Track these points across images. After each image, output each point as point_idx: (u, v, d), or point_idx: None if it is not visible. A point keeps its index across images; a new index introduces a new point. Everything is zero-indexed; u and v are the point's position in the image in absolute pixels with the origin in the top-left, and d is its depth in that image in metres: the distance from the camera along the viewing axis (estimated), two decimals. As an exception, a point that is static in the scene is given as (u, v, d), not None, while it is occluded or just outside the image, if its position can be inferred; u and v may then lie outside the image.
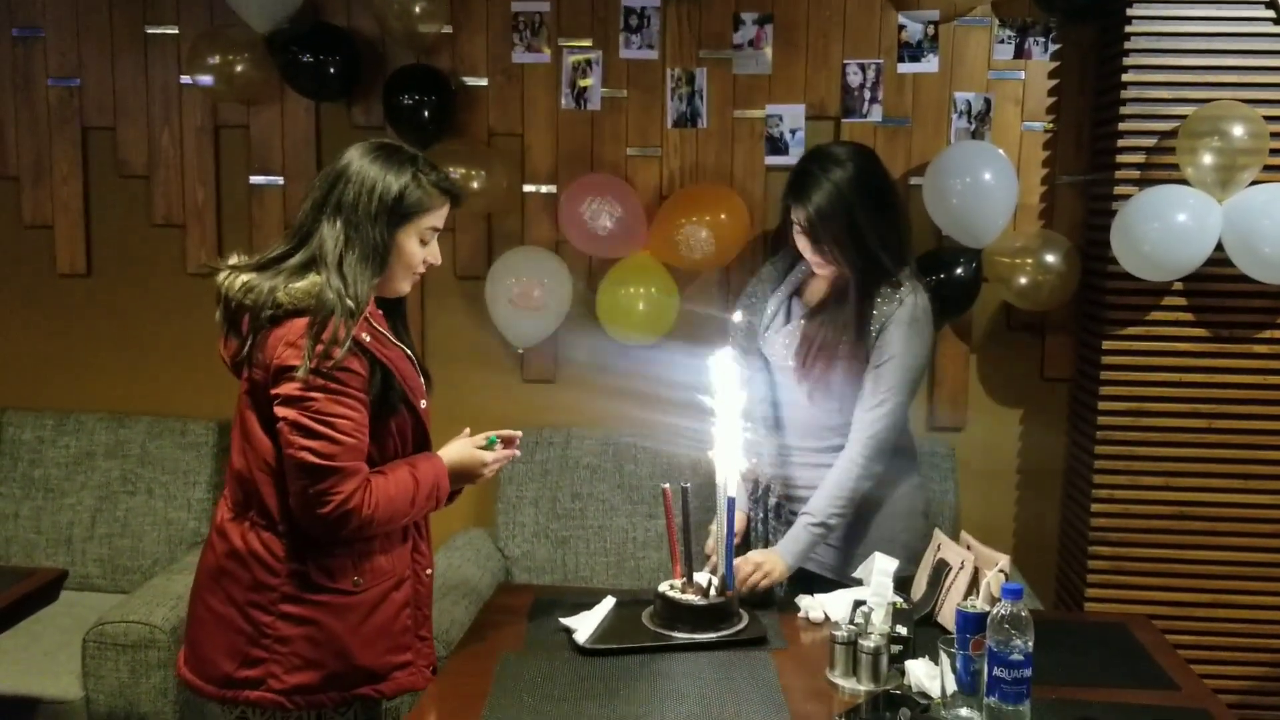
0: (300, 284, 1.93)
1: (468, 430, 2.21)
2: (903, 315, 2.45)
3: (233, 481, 2.04)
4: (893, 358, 2.44)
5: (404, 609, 2.07)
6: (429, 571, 2.15)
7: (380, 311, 2.07)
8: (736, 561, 2.35)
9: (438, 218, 2.06)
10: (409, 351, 2.10)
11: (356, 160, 1.99)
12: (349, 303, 1.91)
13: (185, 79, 3.47)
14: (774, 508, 2.60)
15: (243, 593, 1.98)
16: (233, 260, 2.04)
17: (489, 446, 2.16)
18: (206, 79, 3.34)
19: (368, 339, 1.95)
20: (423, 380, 2.12)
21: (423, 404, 2.09)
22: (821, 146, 2.59)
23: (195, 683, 2.04)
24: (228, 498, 2.06)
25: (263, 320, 1.94)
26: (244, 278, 1.98)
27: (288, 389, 1.89)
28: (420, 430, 2.09)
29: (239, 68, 3.31)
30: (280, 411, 1.91)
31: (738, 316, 2.62)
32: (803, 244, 2.50)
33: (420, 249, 2.05)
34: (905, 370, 2.46)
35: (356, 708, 2.04)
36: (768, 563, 2.40)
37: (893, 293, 2.47)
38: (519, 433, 2.22)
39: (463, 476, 2.13)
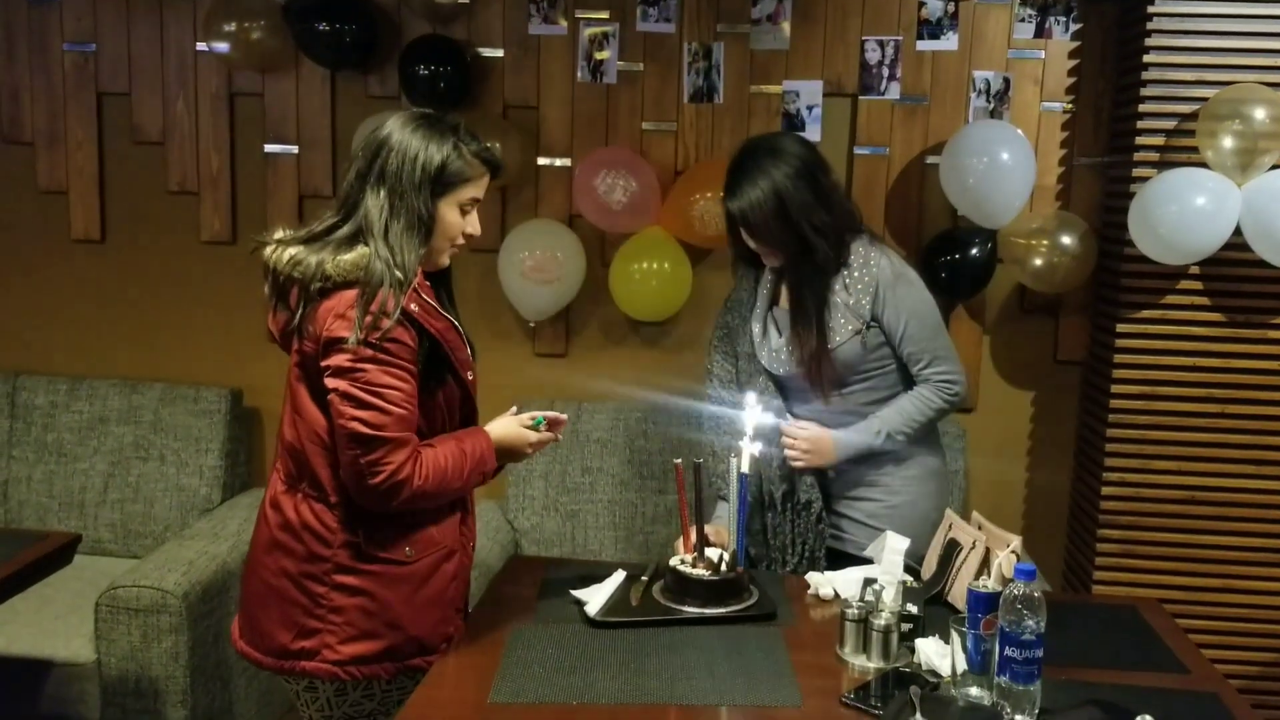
0: (348, 256, 1.92)
1: (515, 408, 2.21)
2: (886, 278, 2.46)
3: (285, 454, 2.05)
4: (907, 318, 2.47)
5: (453, 581, 2.09)
6: (473, 545, 2.17)
7: (428, 283, 2.06)
8: (788, 428, 2.49)
9: (478, 188, 2.05)
10: (456, 322, 2.09)
11: (398, 130, 1.98)
12: (397, 273, 1.91)
13: (201, 46, 3.46)
14: (804, 505, 2.58)
15: (296, 564, 2.00)
16: (279, 234, 2.02)
17: (535, 427, 2.16)
18: (222, 46, 3.33)
19: (416, 309, 1.95)
20: (470, 351, 2.11)
21: (469, 375, 2.08)
22: (753, 138, 2.55)
23: (252, 655, 2.06)
24: (280, 470, 2.06)
25: (312, 293, 1.93)
26: (291, 251, 1.96)
27: (337, 360, 1.90)
28: (468, 401, 2.09)
29: (255, 35, 3.30)
30: (330, 383, 1.91)
31: (716, 361, 2.63)
32: (748, 236, 2.47)
33: (460, 220, 2.03)
34: (923, 319, 2.49)
35: (406, 679, 2.05)
36: (817, 451, 2.48)
37: (862, 264, 2.47)
38: (565, 416, 2.22)
39: (507, 454, 2.13)
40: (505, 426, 2.14)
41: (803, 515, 2.54)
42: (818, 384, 2.49)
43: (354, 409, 1.89)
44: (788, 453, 2.51)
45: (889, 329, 2.48)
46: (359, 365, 1.89)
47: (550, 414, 2.19)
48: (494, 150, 2.08)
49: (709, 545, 2.29)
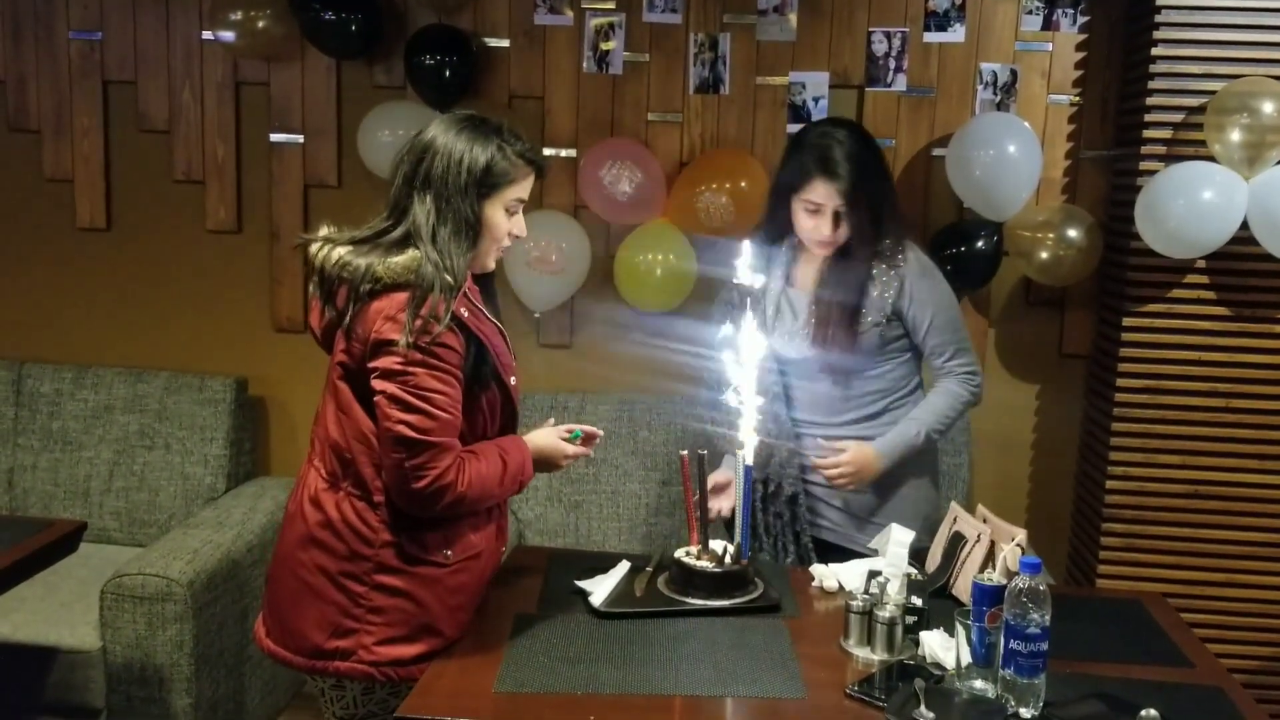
0: (399, 259, 1.92)
1: (552, 419, 2.23)
2: (914, 271, 2.49)
3: (328, 452, 2.03)
4: (933, 311, 2.50)
5: (483, 585, 2.11)
6: (503, 549, 2.18)
7: (477, 288, 2.06)
8: (823, 461, 2.47)
9: (523, 189, 2.04)
10: (502, 327, 2.09)
11: (442, 133, 1.98)
12: (447, 278, 1.91)
13: (207, 34, 3.45)
14: (789, 499, 2.57)
15: (336, 562, 1.99)
16: (323, 231, 2.02)
17: (572, 440, 2.17)
18: (228, 35, 3.32)
19: (466, 314, 1.95)
20: (514, 357, 2.11)
21: (512, 380, 2.08)
22: (830, 120, 2.57)
23: (282, 654, 2.05)
24: (321, 468, 2.05)
25: (361, 294, 1.93)
26: (339, 252, 1.97)
27: (386, 363, 1.89)
28: (508, 405, 2.09)
29: (260, 24, 3.29)
30: (378, 385, 1.91)
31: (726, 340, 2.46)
32: (819, 223, 2.44)
33: (505, 221, 2.03)
34: (948, 313, 2.54)
35: None
36: (862, 467, 2.46)
37: (889, 257, 2.49)
38: (601, 431, 2.24)
39: (543, 464, 2.14)
40: (544, 437, 2.15)
41: (788, 509, 2.55)
42: (829, 368, 2.49)
43: (401, 412, 1.89)
44: (827, 472, 2.48)
45: (914, 322, 2.50)
46: (408, 369, 1.88)
47: (587, 428, 2.20)
48: (538, 149, 2.07)
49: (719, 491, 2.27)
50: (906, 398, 2.59)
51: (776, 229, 2.56)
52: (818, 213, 2.44)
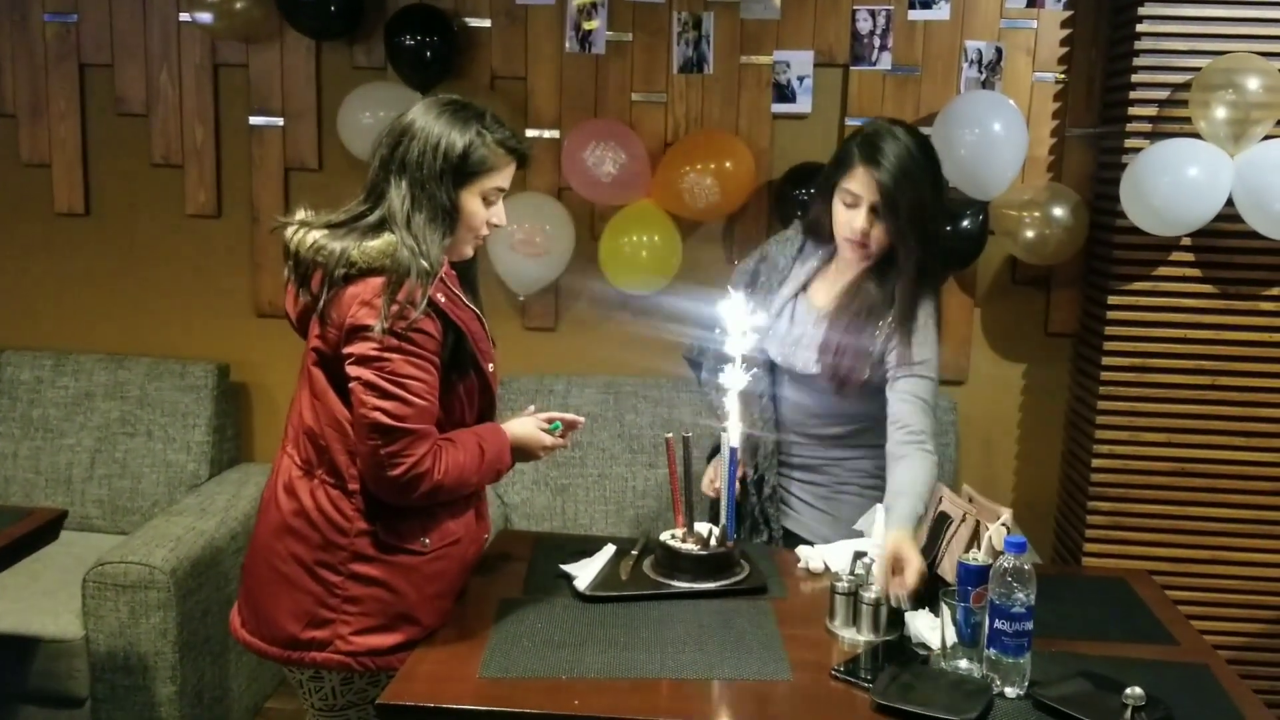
0: (375, 243, 1.89)
1: (532, 408, 2.20)
2: (921, 325, 2.31)
3: (302, 439, 2.00)
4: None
5: (464, 572, 2.09)
6: (486, 536, 2.17)
7: (455, 273, 2.03)
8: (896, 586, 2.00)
9: (502, 178, 2.00)
10: (480, 313, 2.06)
11: (421, 116, 1.94)
12: (424, 263, 1.88)
13: (184, 16, 3.42)
14: (769, 495, 2.52)
15: (311, 552, 1.96)
16: (300, 215, 1.99)
17: (551, 431, 2.15)
18: (206, 16, 3.29)
19: (443, 300, 1.92)
20: (492, 343, 2.08)
21: (490, 367, 2.06)
22: (882, 119, 2.37)
23: (256, 645, 2.03)
24: (295, 455, 2.02)
25: (336, 278, 1.90)
26: (314, 236, 1.93)
27: (362, 348, 1.86)
28: (486, 392, 2.06)
29: (239, 5, 3.26)
30: (353, 371, 1.88)
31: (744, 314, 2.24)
32: (853, 216, 2.26)
33: (484, 210, 1.99)
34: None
35: None
36: (911, 559, 2.02)
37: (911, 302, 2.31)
38: (582, 419, 2.22)
39: (521, 454, 2.12)
40: (523, 427, 2.12)
41: (769, 504, 2.52)
42: (834, 387, 2.36)
43: (377, 399, 1.86)
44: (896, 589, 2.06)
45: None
46: (384, 355, 1.86)
47: (568, 416, 2.18)
48: (520, 137, 2.03)
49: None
50: (880, 418, 2.36)
51: (814, 227, 2.41)
52: (854, 205, 2.27)
